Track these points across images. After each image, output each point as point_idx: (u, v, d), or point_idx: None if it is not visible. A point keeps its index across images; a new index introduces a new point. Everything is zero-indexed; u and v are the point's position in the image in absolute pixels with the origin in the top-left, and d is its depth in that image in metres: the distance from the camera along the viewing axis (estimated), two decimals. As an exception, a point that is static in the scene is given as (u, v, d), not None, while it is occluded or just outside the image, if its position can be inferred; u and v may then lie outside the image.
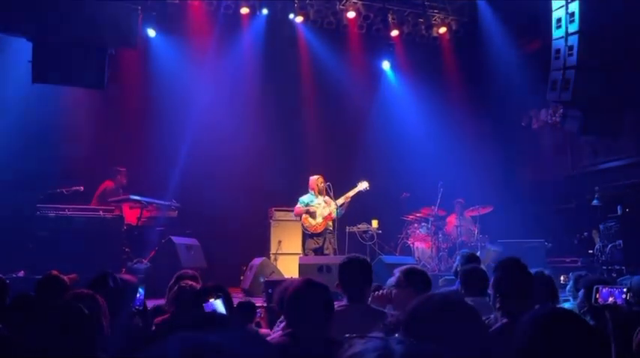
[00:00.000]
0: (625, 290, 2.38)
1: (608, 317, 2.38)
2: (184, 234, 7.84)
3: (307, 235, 7.88)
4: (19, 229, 6.58)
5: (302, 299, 2.44)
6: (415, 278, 3.09)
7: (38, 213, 6.66)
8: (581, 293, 3.21)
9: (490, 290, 2.66)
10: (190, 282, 3.72)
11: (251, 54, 9.83)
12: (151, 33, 9.10)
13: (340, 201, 7.87)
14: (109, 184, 8.15)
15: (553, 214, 9.90)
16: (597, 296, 2.41)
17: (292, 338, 2.34)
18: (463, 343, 1.29)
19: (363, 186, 7.93)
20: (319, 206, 7.83)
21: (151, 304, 4.67)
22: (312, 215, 7.80)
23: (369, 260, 3.62)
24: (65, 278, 3.73)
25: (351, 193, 7.91)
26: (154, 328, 3.75)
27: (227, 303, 2.85)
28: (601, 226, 8.36)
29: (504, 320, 2.43)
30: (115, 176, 8.20)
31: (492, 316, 2.65)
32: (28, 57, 5.10)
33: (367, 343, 0.90)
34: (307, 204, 7.88)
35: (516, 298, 2.50)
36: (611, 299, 2.36)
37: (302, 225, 7.93)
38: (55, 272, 3.75)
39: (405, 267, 3.28)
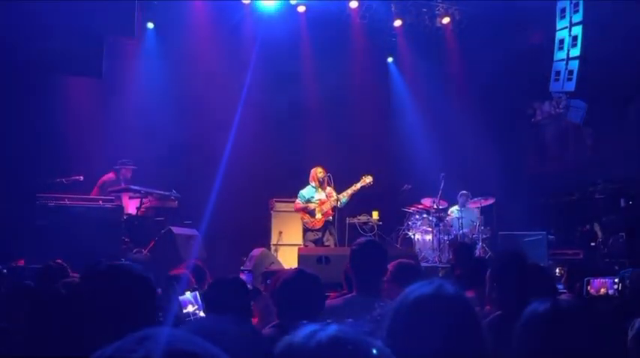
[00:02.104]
0: (616, 280, 2.34)
1: (601, 308, 2.34)
2: (184, 225, 7.82)
3: (307, 228, 7.90)
4: (19, 218, 6.57)
5: (291, 290, 2.41)
6: (400, 275, 2.96)
7: (38, 202, 6.64)
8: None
9: (487, 281, 2.60)
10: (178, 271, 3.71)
11: (252, 44, 9.77)
12: (150, 25, 9.07)
13: (343, 195, 7.86)
14: (110, 176, 8.10)
15: (555, 206, 9.85)
16: (589, 287, 2.37)
17: (280, 329, 2.30)
18: (450, 339, 1.26)
19: (367, 180, 7.93)
20: (319, 202, 7.82)
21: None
22: (311, 213, 7.81)
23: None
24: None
25: (354, 188, 7.89)
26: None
27: (237, 296, 2.79)
28: (603, 218, 8.32)
29: (499, 312, 2.40)
30: (120, 169, 8.15)
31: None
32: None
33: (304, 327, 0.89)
34: (308, 200, 7.88)
35: (513, 290, 2.45)
36: (602, 290, 2.32)
37: (301, 219, 7.95)
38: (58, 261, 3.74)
39: (396, 261, 3.17)
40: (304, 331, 0.87)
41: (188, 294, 2.10)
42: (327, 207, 7.83)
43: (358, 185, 7.92)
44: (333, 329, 0.87)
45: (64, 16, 4.98)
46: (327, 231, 7.90)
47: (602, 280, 2.38)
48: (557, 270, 6.36)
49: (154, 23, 9.20)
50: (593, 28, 6.62)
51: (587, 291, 2.40)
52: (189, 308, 2.13)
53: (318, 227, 7.84)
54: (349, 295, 2.94)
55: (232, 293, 2.45)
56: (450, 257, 8.24)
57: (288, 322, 2.32)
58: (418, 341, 1.24)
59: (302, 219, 7.95)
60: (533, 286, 2.42)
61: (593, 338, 1.44)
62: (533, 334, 1.46)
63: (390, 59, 10.91)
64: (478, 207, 9.11)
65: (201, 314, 2.15)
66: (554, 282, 3.30)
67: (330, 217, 7.90)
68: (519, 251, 2.61)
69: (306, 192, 7.96)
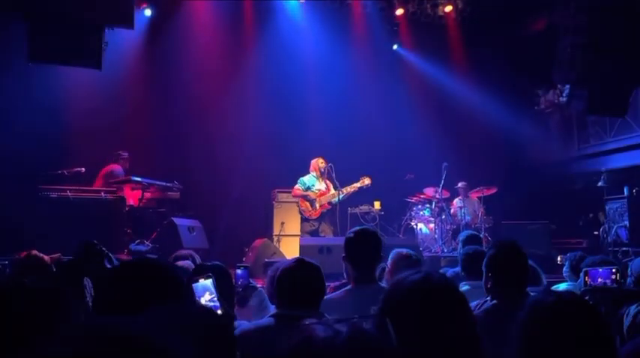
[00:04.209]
0: (614, 270, 2.33)
1: (598, 299, 2.32)
2: (186, 216, 7.85)
3: (303, 218, 7.90)
4: (21, 210, 6.58)
5: (291, 279, 2.39)
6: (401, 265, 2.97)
7: (39, 194, 6.67)
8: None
9: (483, 270, 2.59)
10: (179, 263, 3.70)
11: (253, 34, 9.74)
12: (147, 12, 9.00)
13: (341, 192, 7.81)
14: (114, 167, 8.13)
15: (558, 195, 9.81)
16: (587, 278, 2.36)
17: (279, 319, 2.29)
18: (438, 328, 1.24)
19: (366, 182, 7.92)
20: (319, 193, 7.81)
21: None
22: (311, 202, 7.82)
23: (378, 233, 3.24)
24: (46, 257, 3.70)
25: (352, 188, 7.87)
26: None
27: (220, 284, 2.81)
28: (607, 207, 8.29)
29: (494, 302, 2.39)
30: (118, 160, 8.18)
31: (489, 298, 2.59)
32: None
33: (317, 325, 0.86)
34: (308, 188, 7.86)
35: (509, 280, 2.44)
36: (600, 280, 2.31)
37: (298, 206, 7.93)
38: (34, 251, 3.71)
39: (395, 252, 3.17)
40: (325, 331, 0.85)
41: (202, 281, 2.08)
42: (325, 200, 7.84)
43: (357, 185, 7.91)
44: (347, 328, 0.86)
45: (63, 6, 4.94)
46: (323, 222, 7.90)
47: (600, 271, 2.37)
48: (559, 258, 6.34)
49: (151, 10, 9.10)
50: (598, 15, 6.53)
51: (586, 282, 2.38)
52: (207, 297, 2.11)
53: (315, 217, 7.84)
54: (347, 287, 2.94)
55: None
56: (453, 246, 8.23)
57: (287, 311, 2.31)
58: (408, 330, 1.23)
59: (300, 206, 7.91)
60: (525, 275, 2.41)
61: (593, 330, 1.43)
62: (536, 325, 1.44)
63: (391, 48, 10.80)
64: (480, 197, 9.09)
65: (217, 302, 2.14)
66: (539, 272, 3.30)
67: (326, 209, 7.89)
68: (513, 240, 2.59)
69: (307, 179, 7.94)
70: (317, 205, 7.82)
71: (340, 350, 0.84)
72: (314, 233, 7.80)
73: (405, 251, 3.43)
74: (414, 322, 1.24)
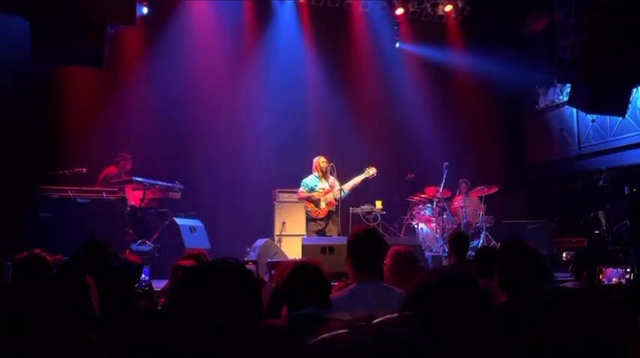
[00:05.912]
0: (628, 270, 2.33)
1: (612, 297, 2.33)
2: (188, 216, 7.84)
3: (310, 218, 7.86)
4: (22, 210, 6.58)
5: (293, 283, 2.40)
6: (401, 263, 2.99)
7: (41, 194, 6.66)
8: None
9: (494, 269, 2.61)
10: (185, 262, 3.69)
11: (253, 34, 9.73)
12: (145, 10, 8.94)
13: (346, 186, 7.78)
14: (111, 170, 8.10)
15: (559, 194, 9.82)
16: (601, 277, 2.36)
17: (290, 320, 2.29)
18: (465, 323, 1.24)
19: (371, 172, 7.85)
20: (323, 191, 7.78)
21: (154, 285, 4.68)
22: (316, 203, 7.77)
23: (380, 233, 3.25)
24: (49, 257, 3.69)
25: (358, 180, 7.82)
26: (159, 308, 3.75)
27: None
28: (608, 206, 8.30)
29: (503, 299, 2.40)
30: (119, 162, 8.16)
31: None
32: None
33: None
34: (312, 189, 7.82)
35: (517, 278, 2.46)
36: (615, 279, 2.31)
37: (305, 208, 7.90)
38: (37, 250, 3.69)
39: (394, 250, 3.18)
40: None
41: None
42: (330, 197, 7.78)
43: (361, 177, 7.84)
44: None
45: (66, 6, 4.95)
46: (330, 221, 7.86)
47: (614, 270, 2.37)
48: (564, 255, 6.36)
49: (148, 8, 9.04)
50: (598, 14, 6.53)
51: (600, 280, 2.39)
52: None
53: (321, 216, 7.79)
54: (351, 286, 2.96)
55: None
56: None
57: (310, 311, 2.30)
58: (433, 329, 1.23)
59: (306, 207, 7.86)
60: (534, 272, 2.42)
61: (600, 328, 1.43)
62: (541, 324, 1.44)
63: (391, 47, 10.78)
64: (481, 196, 9.09)
65: None
66: (549, 268, 3.31)
67: (334, 207, 7.85)
68: (518, 238, 2.61)
69: (309, 180, 7.89)
70: (323, 204, 7.76)
71: (372, 351, 0.83)
72: (320, 232, 7.76)
73: (402, 248, 3.44)
74: (439, 321, 1.24)
